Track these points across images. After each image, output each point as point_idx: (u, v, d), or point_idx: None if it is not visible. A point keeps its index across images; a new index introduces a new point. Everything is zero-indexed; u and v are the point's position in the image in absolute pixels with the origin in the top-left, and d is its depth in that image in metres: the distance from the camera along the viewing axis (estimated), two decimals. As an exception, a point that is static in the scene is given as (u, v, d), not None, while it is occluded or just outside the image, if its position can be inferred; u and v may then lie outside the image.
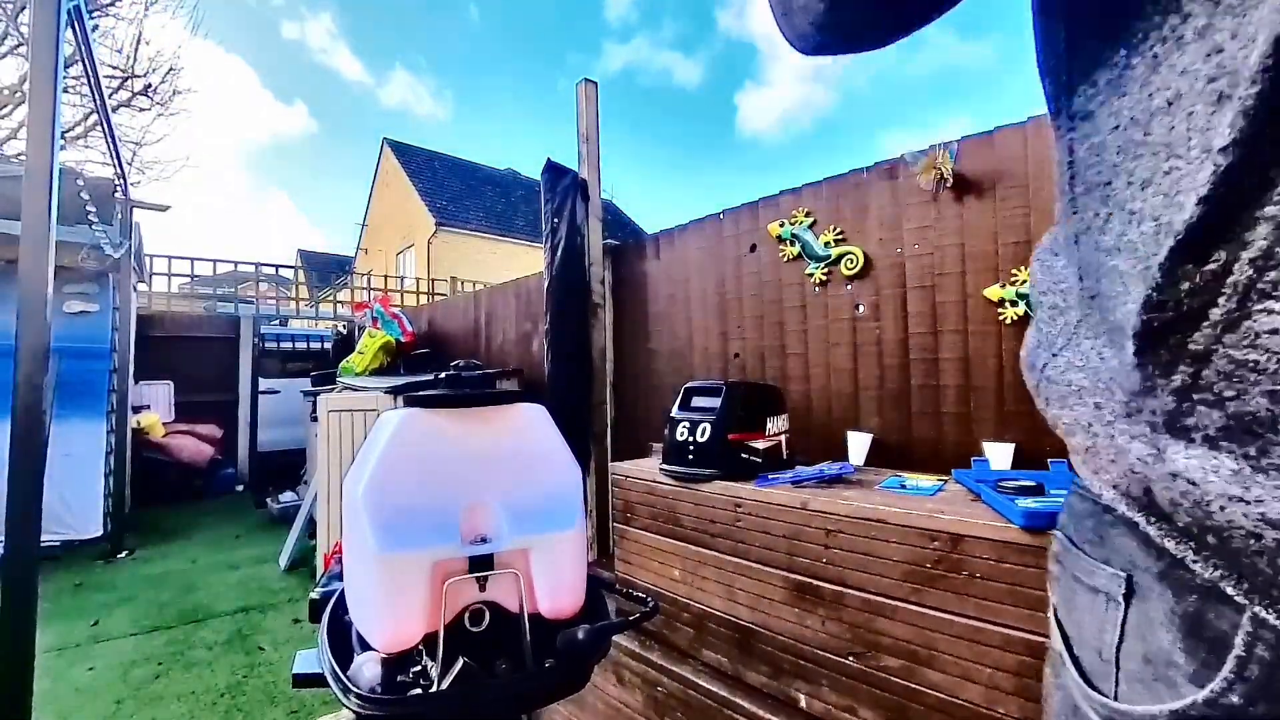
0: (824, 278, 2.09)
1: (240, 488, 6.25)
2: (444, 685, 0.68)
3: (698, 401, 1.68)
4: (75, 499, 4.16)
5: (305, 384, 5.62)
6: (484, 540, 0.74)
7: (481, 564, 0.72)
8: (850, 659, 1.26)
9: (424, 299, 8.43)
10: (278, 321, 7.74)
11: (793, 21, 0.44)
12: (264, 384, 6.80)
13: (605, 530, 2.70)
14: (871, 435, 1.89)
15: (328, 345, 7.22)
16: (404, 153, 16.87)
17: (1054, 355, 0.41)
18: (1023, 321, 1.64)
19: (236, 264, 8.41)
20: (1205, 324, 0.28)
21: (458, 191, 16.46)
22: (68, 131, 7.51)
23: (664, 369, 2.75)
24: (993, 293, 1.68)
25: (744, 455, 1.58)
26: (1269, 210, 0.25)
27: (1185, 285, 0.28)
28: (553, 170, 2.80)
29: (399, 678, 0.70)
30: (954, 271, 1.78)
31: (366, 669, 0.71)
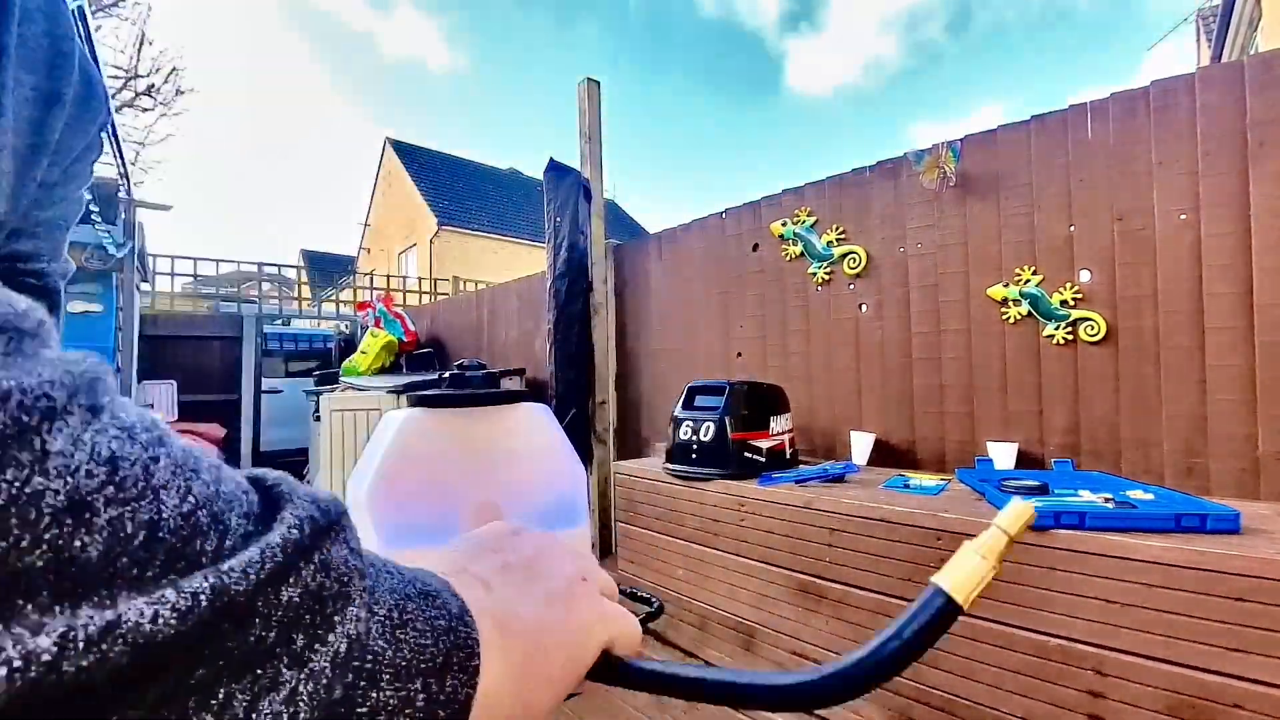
0: (826, 277, 2.09)
1: (243, 487, 6.25)
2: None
3: (701, 401, 1.68)
4: (80, 498, 4.15)
5: (308, 383, 5.63)
6: (488, 539, 0.74)
7: (486, 563, 0.72)
8: (853, 658, 1.26)
9: (426, 299, 8.43)
10: (281, 321, 7.74)
11: None
12: (267, 383, 6.81)
13: (607, 530, 2.70)
14: (874, 435, 1.89)
15: (330, 345, 7.24)
16: (406, 153, 16.93)
17: None
18: (1025, 321, 1.64)
19: (239, 263, 8.42)
20: None
21: (460, 191, 16.51)
22: (71, 132, 7.51)
23: (666, 368, 2.75)
24: (996, 292, 1.68)
25: (747, 454, 1.58)
26: None
27: None
28: (556, 170, 2.80)
29: (404, 677, 0.71)
30: (957, 271, 1.78)
31: (371, 668, 0.71)
